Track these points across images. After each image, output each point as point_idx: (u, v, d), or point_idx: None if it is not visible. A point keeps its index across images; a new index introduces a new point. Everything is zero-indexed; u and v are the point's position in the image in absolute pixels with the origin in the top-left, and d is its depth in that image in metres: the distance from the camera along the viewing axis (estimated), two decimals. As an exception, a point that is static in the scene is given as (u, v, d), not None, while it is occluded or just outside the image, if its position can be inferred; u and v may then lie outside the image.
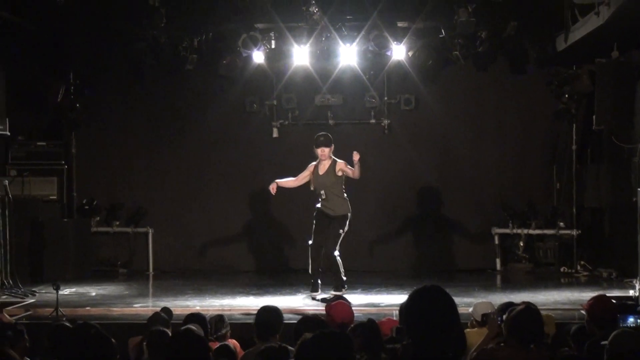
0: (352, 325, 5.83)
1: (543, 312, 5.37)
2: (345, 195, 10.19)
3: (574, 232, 12.60)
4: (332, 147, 10.21)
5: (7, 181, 11.09)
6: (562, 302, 9.82)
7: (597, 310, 5.89)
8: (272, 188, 10.28)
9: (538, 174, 13.15)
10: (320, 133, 10.39)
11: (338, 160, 10.20)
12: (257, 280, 12.08)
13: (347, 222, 10.10)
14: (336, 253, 10.07)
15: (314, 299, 10.08)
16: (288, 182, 10.45)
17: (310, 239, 10.22)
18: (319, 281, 10.24)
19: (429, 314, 3.32)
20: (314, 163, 10.30)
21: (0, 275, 10.65)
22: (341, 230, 10.07)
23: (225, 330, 6.70)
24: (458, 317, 3.39)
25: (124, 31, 12.08)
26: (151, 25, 11.59)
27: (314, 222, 10.22)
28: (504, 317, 5.28)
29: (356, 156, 9.85)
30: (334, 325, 6.07)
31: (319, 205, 10.24)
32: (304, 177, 10.33)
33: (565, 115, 12.69)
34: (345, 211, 10.12)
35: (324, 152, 10.14)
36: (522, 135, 13.15)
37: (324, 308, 7.29)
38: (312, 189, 10.29)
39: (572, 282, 11.82)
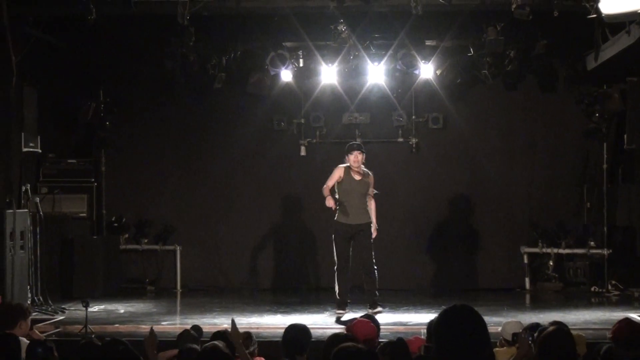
0: (381, 344, 5.80)
1: (574, 332, 5.31)
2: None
3: (605, 252, 12.47)
4: (364, 155, 10.20)
5: (38, 198, 11.19)
6: (592, 321, 9.72)
7: (624, 333, 5.82)
8: (332, 203, 10.09)
9: (568, 193, 13.05)
10: (352, 142, 10.43)
11: (370, 173, 10.21)
12: (285, 298, 12.05)
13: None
14: (375, 266, 10.09)
15: (339, 319, 9.96)
16: (327, 188, 10.24)
17: (335, 264, 10.18)
18: (348, 301, 10.21)
19: (459, 333, 3.29)
20: (342, 167, 10.20)
21: (31, 292, 10.72)
22: (371, 239, 10.09)
23: (253, 347, 6.68)
24: (488, 337, 3.36)
25: (154, 49, 12.20)
26: (180, 43, 11.69)
27: (335, 243, 10.17)
28: (535, 335, 5.23)
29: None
30: (359, 343, 6.04)
31: (338, 217, 10.13)
32: (333, 181, 10.18)
33: (596, 134, 12.59)
34: (369, 219, 10.14)
35: (357, 157, 10.08)
36: (551, 154, 13.07)
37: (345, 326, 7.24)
38: (342, 190, 10.16)
39: (603, 302, 11.69)
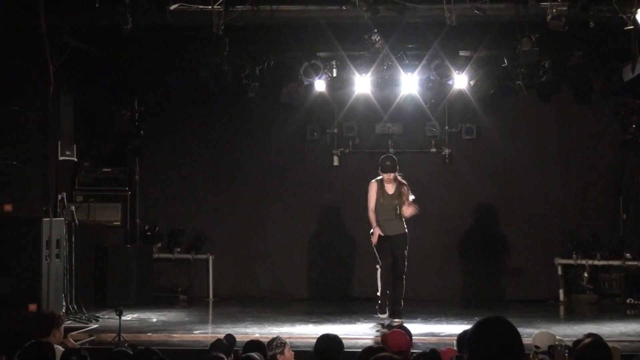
0: (414, 355, 5.78)
1: (609, 344, 5.26)
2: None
3: (641, 264, 12.35)
4: (397, 169, 10.24)
5: (73, 207, 11.29)
6: (628, 333, 9.64)
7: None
8: (376, 236, 10.19)
9: (603, 204, 12.93)
10: (385, 156, 10.41)
11: (403, 182, 10.23)
12: (317, 307, 12.05)
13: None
14: (404, 276, 10.15)
15: (383, 324, 10.01)
16: (373, 214, 10.28)
17: (379, 264, 10.33)
18: (387, 302, 10.25)
19: (494, 346, 3.27)
20: (375, 182, 10.26)
21: (66, 301, 10.81)
22: (406, 251, 10.16)
23: (281, 349, 6.66)
24: (523, 350, 3.34)
25: (188, 59, 12.26)
26: (215, 53, 11.72)
27: (377, 250, 10.25)
28: (571, 347, 5.19)
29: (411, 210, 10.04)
30: (392, 353, 6.03)
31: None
32: (374, 200, 10.25)
33: (633, 146, 12.47)
34: (405, 230, 10.20)
35: (390, 177, 10.17)
36: (587, 166, 12.97)
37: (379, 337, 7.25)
38: (377, 204, 10.22)
39: (639, 314, 11.57)
